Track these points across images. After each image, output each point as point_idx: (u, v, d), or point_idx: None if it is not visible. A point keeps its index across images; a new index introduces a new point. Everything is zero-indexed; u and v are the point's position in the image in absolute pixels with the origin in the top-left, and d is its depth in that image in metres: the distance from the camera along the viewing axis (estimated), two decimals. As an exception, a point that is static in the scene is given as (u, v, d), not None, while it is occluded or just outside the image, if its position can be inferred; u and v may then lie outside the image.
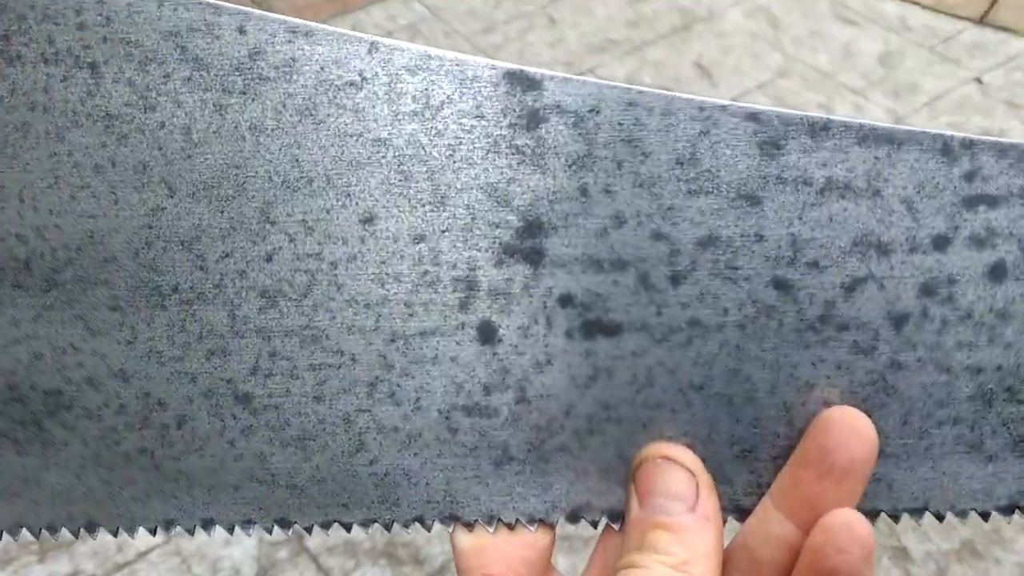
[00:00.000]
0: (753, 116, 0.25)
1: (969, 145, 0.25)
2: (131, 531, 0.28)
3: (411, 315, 0.26)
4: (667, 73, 1.62)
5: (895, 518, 0.27)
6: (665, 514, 0.25)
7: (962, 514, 0.27)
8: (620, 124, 0.25)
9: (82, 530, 0.28)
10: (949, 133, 0.24)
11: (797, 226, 0.25)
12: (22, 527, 0.28)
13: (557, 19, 1.69)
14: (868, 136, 0.25)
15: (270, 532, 0.28)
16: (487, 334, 0.26)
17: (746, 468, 0.27)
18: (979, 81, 1.60)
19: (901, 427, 0.26)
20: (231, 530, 0.28)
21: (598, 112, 0.25)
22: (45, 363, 0.27)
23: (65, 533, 0.28)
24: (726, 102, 0.24)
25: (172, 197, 0.26)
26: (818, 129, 0.25)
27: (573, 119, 0.25)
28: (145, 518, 0.28)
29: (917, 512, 0.27)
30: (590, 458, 0.27)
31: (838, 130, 0.25)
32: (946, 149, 0.25)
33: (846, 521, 0.24)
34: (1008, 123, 1.54)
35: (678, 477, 0.26)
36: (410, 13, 1.72)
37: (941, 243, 0.25)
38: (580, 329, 0.26)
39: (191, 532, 0.28)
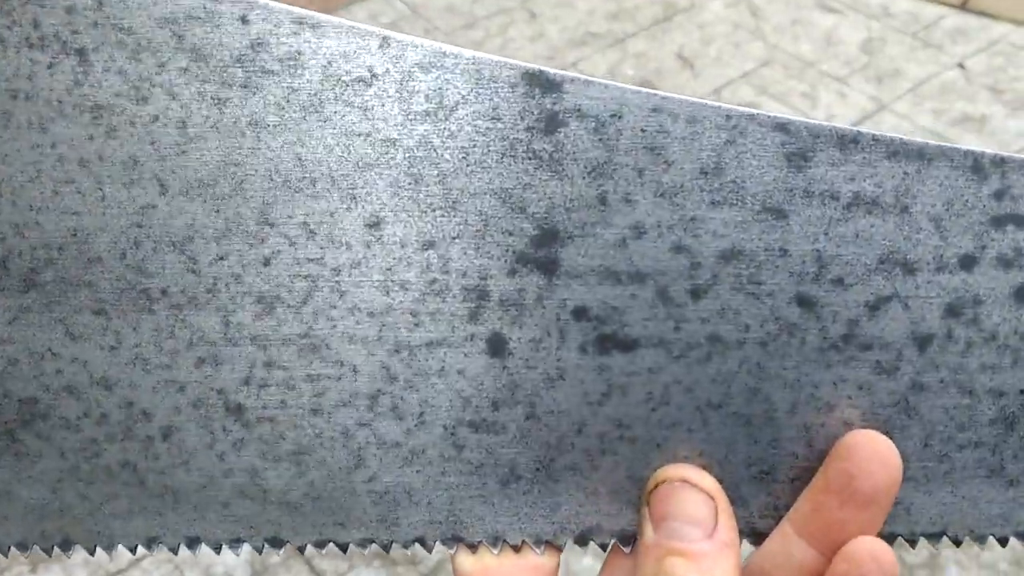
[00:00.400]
0: (781, 126, 0.24)
1: (1000, 163, 0.24)
2: (110, 549, 0.27)
3: (417, 325, 0.25)
4: (649, 65, 1.62)
5: (912, 543, 0.27)
6: (682, 540, 0.25)
7: (980, 539, 0.27)
8: (643, 131, 0.24)
9: (56, 548, 0.27)
10: (980, 150, 0.24)
11: (823, 242, 0.25)
12: None
13: (537, 13, 1.69)
14: (898, 151, 0.24)
15: (260, 551, 0.27)
16: (497, 346, 0.25)
17: (763, 490, 0.26)
18: (961, 67, 1.61)
19: (921, 450, 0.26)
20: (218, 549, 0.27)
21: (620, 117, 0.24)
22: (20, 369, 0.25)
23: (37, 551, 0.27)
24: (754, 111, 0.24)
25: (164, 195, 0.24)
26: (847, 142, 0.24)
27: (594, 124, 0.24)
28: (126, 535, 0.27)
29: (935, 537, 0.27)
30: (601, 478, 0.26)
31: (868, 144, 0.24)
32: (976, 167, 0.24)
33: (871, 551, 0.24)
34: (991, 108, 1.56)
35: (696, 501, 0.25)
36: (391, 11, 1.72)
37: (968, 263, 0.25)
38: (594, 343, 0.25)
39: (175, 550, 0.27)
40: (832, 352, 0.25)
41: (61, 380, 0.25)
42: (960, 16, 1.73)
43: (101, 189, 0.24)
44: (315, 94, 0.24)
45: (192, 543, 0.26)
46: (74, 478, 0.26)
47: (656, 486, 0.26)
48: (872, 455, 0.25)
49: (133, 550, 0.26)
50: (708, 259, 0.25)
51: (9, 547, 0.27)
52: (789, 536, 0.26)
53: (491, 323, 0.25)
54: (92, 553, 0.27)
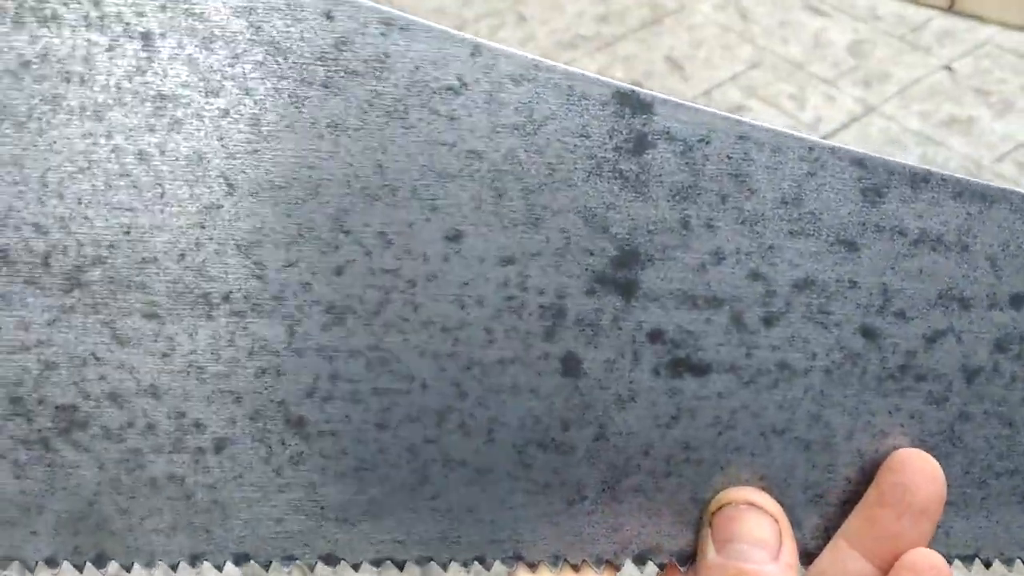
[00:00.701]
0: (859, 161, 0.25)
1: None
2: (149, 565, 0.26)
3: (491, 342, 0.25)
4: (638, 68, 1.62)
5: None
6: (748, 561, 0.25)
7: (1008, 562, 0.28)
8: (729, 157, 0.25)
9: (89, 564, 0.26)
10: None
11: (889, 275, 0.26)
12: (14, 560, 0.26)
13: (527, 16, 1.69)
14: (963, 191, 0.26)
15: (312, 569, 0.27)
16: (570, 366, 0.26)
17: (816, 513, 0.27)
18: (949, 69, 1.62)
19: (963, 476, 0.28)
20: (267, 566, 0.26)
21: (708, 143, 0.25)
22: (59, 374, 0.24)
23: (68, 567, 0.26)
24: (835, 144, 0.25)
25: (231, 195, 0.24)
26: (919, 180, 0.25)
27: (681, 147, 0.25)
28: (168, 552, 0.26)
29: (968, 559, 0.28)
30: (664, 500, 0.27)
31: (937, 183, 0.26)
32: None
33: (931, 562, 0.26)
34: (977, 110, 1.57)
35: (762, 523, 0.26)
36: (379, 13, 1.70)
37: (1017, 301, 0.27)
38: (668, 367, 0.26)
39: (220, 568, 0.26)
40: (890, 382, 0.27)
41: (104, 387, 0.24)
42: (947, 18, 1.75)
43: (160, 185, 0.23)
44: (400, 99, 0.24)
45: (240, 560, 0.26)
46: (114, 491, 0.25)
47: (720, 508, 0.27)
48: (920, 471, 0.26)
49: (175, 567, 0.26)
50: (783, 287, 0.26)
51: (37, 562, 0.26)
52: (843, 550, 0.27)
53: (566, 342, 0.25)
54: (129, 570, 0.26)
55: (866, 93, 1.60)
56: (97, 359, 0.24)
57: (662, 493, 0.27)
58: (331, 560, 0.26)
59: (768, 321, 0.26)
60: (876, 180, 0.25)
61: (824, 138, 1.60)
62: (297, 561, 0.26)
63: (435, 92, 0.24)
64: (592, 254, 0.25)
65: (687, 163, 0.25)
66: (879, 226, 0.25)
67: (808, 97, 1.59)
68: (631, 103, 0.24)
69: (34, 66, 0.22)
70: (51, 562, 0.26)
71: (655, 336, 0.25)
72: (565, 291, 0.25)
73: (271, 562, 0.26)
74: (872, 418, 0.27)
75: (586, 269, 0.25)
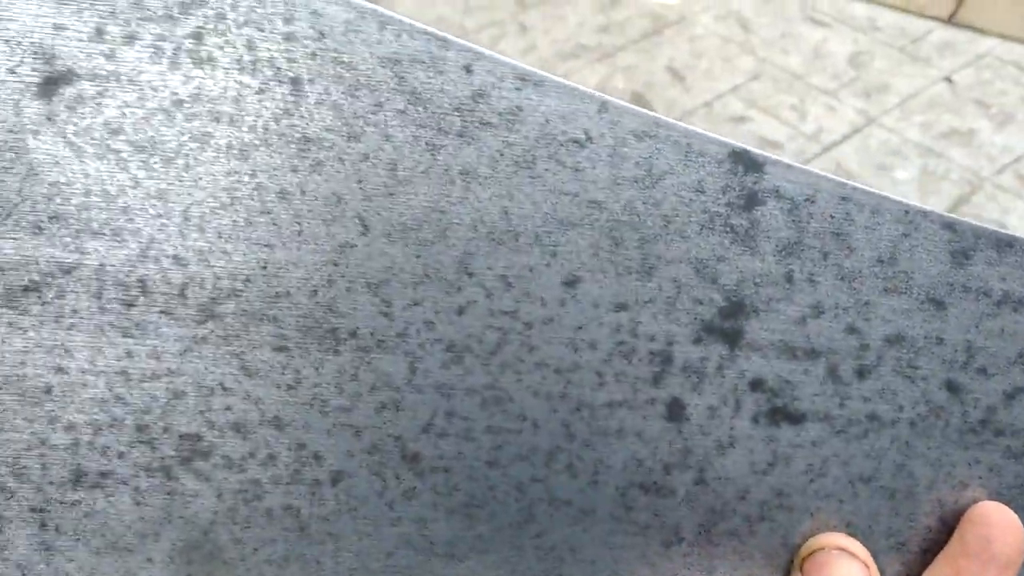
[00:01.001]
0: (949, 225, 0.27)
1: None
2: None
3: (601, 385, 0.27)
4: (639, 78, 1.63)
5: None
6: None
7: None
8: (832, 217, 0.27)
9: None
10: None
11: (973, 333, 0.28)
12: None
13: (528, 26, 1.69)
14: None
15: None
16: (675, 412, 0.27)
17: (897, 560, 0.29)
18: (949, 80, 1.63)
19: None
20: None
21: (813, 202, 0.27)
22: (186, 403, 0.25)
23: None
24: (928, 208, 0.27)
25: (365, 235, 0.25)
26: (1003, 245, 0.28)
27: (789, 206, 0.27)
28: None
29: None
30: (756, 544, 0.29)
31: (1021, 248, 0.28)
32: None
33: None
34: (978, 122, 1.59)
35: (853, 569, 0.27)
36: (379, 23, 1.70)
37: None
38: (766, 415, 0.28)
39: None
40: (970, 435, 0.28)
41: (229, 417, 0.26)
42: (947, 30, 1.76)
43: (299, 223, 0.25)
44: (529, 150, 0.25)
45: None
46: (230, 520, 0.26)
47: (811, 553, 0.28)
48: (1001, 522, 0.28)
49: None
50: (876, 342, 0.27)
51: None
52: None
53: (672, 388, 0.27)
54: None
55: (867, 104, 1.62)
56: (225, 389, 0.25)
57: (755, 537, 0.28)
58: None
59: (861, 373, 0.28)
60: (964, 243, 0.27)
61: (825, 149, 1.60)
62: None
63: (562, 145, 0.25)
64: (701, 303, 0.26)
65: (793, 220, 0.27)
66: (966, 287, 0.28)
67: (809, 108, 1.60)
68: (744, 162, 0.26)
69: (186, 105, 0.24)
70: None
71: (756, 385, 0.27)
72: (674, 338, 0.27)
73: None
74: (953, 469, 0.29)
75: (695, 318, 0.27)
